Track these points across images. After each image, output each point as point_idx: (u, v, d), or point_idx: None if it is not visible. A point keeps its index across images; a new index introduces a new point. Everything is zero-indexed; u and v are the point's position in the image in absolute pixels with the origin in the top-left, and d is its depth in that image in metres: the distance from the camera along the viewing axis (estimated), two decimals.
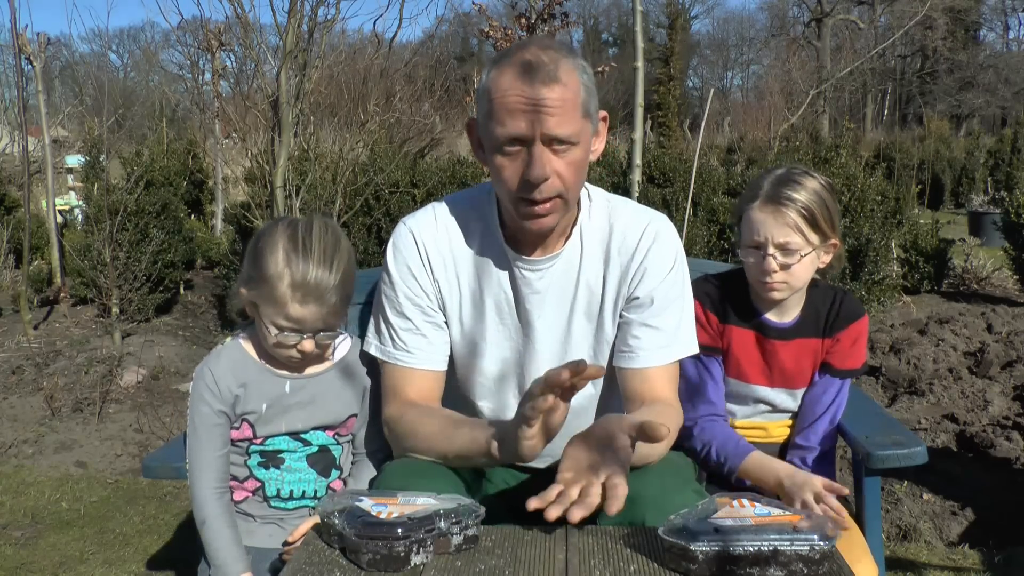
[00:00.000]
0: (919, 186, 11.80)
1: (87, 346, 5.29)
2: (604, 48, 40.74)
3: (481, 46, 26.11)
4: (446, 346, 1.58)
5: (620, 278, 1.54)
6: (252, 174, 6.82)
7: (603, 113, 1.48)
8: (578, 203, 1.54)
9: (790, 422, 1.82)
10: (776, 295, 1.70)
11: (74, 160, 9.65)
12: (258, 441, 1.57)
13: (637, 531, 1.24)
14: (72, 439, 3.97)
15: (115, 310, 5.46)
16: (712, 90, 8.22)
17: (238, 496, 1.59)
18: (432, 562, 1.15)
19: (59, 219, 7.27)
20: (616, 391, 1.57)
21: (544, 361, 1.56)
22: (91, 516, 3.22)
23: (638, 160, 4.62)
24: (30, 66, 6.74)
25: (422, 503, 1.20)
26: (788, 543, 1.08)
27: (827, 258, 1.72)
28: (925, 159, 14.29)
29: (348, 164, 5.60)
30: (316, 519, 1.30)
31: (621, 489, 1.15)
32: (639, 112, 4.49)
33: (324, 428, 1.60)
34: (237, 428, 1.56)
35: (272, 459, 1.58)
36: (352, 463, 1.66)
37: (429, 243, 1.55)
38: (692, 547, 1.08)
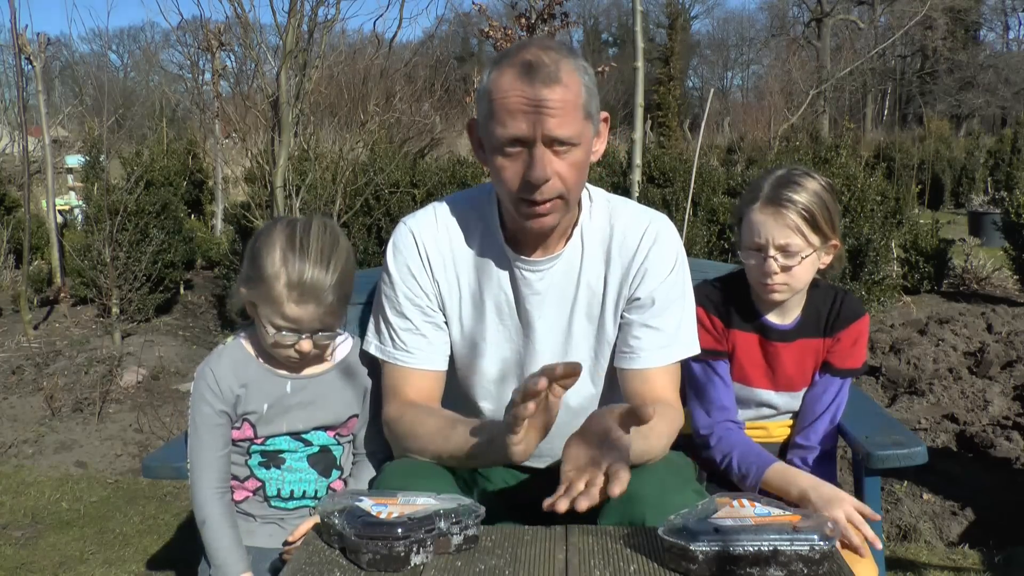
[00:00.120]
0: (919, 186, 11.80)
1: (87, 346, 5.29)
2: (604, 48, 40.73)
3: (481, 46, 26.12)
4: (446, 346, 1.58)
5: (621, 279, 1.54)
6: (252, 174, 6.82)
7: (604, 114, 1.48)
8: (579, 204, 1.53)
9: (791, 422, 1.82)
10: (777, 297, 1.70)
11: (74, 160, 9.65)
12: (259, 441, 1.57)
13: (637, 531, 1.24)
14: (72, 439, 3.97)
15: (115, 310, 5.46)
16: (712, 90, 8.22)
17: (238, 496, 1.59)
18: (432, 562, 1.15)
19: (59, 219, 7.27)
20: (617, 391, 1.57)
21: (544, 362, 1.54)
22: (91, 516, 3.22)
23: (638, 160, 4.62)
24: (30, 66, 6.74)
25: (422, 503, 1.20)
26: (788, 543, 1.08)
27: (828, 259, 1.72)
28: (925, 159, 14.29)
29: (348, 164, 5.60)
30: (316, 519, 1.30)
31: (623, 473, 1.16)
32: (639, 112, 4.50)
33: (325, 428, 1.60)
34: (238, 428, 1.56)
35: (273, 459, 1.58)
36: (352, 463, 1.66)
37: (429, 243, 1.55)
38: (692, 547, 1.08)
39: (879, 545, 1.51)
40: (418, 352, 1.55)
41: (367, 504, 1.19)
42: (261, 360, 1.57)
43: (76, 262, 5.92)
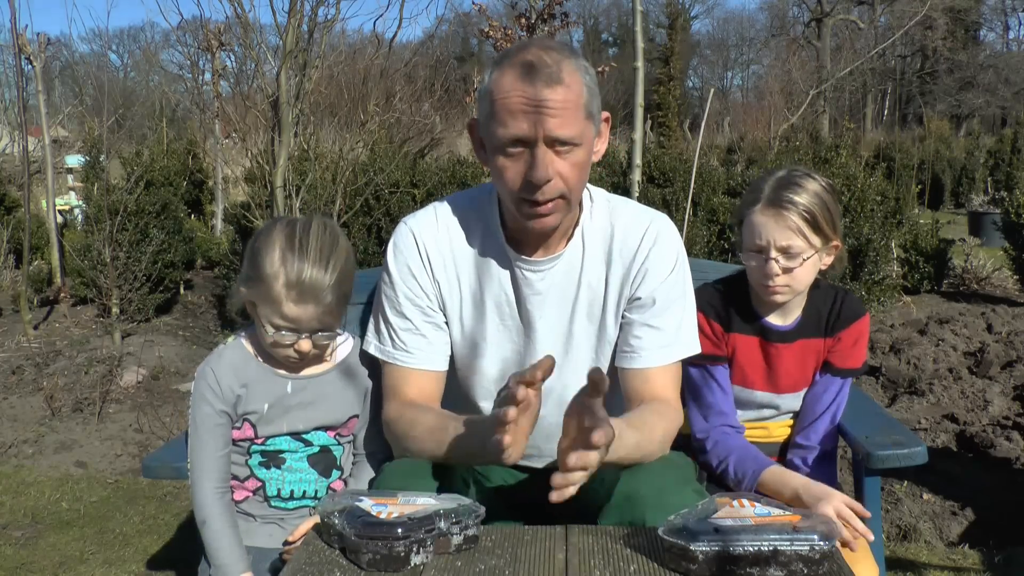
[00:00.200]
0: (919, 186, 11.79)
1: (87, 346, 5.29)
2: (604, 48, 40.72)
3: (481, 46, 26.13)
4: (446, 346, 1.58)
5: (622, 279, 1.54)
6: (252, 174, 6.82)
7: (605, 114, 1.49)
8: (580, 204, 1.53)
9: (791, 422, 1.82)
10: (779, 298, 1.70)
11: (74, 160, 9.66)
12: (259, 441, 1.57)
13: (637, 531, 1.24)
14: (72, 439, 3.97)
15: (115, 310, 5.46)
16: (712, 90, 8.22)
17: (238, 496, 1.59)
18: (432, 562, 1.15)
19: (59, 219, 7.27)
20: (617, 391, 1.57)
21: None
22: (91, 516, 3.22)
23: (638, 160, 4.62)
24: (30, 66, 6.74)
25: (422, 503, 1.21)
26: (788, 543, 1.08)
27: (829, 260, 1.71)
28: (925, 159, 14.29)
29: (348, 164, 5.60)
30: (316, 519, 1.30)
31: (605, 423, 1.15)
32: (639, 112, 4.50)
33: (325, 428, 1.60)
34: (238, 428, 1.56)
35: (273, 459, 1.58)
36: (352, 464, 1.66)
37: (430, 243, 1.55)
38: (692, 547, 1.08)
39: (871, 537, 1.51)
40: (418, 352, 1.55)
41: (367, 504, 1.19)
42: (262, 360, 1.57)
43: (76, 262, 5.92)
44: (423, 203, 2.03)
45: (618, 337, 1.56)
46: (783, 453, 1.81)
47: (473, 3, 5.54)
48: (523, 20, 4.91)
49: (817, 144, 8.82)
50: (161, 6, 7.11)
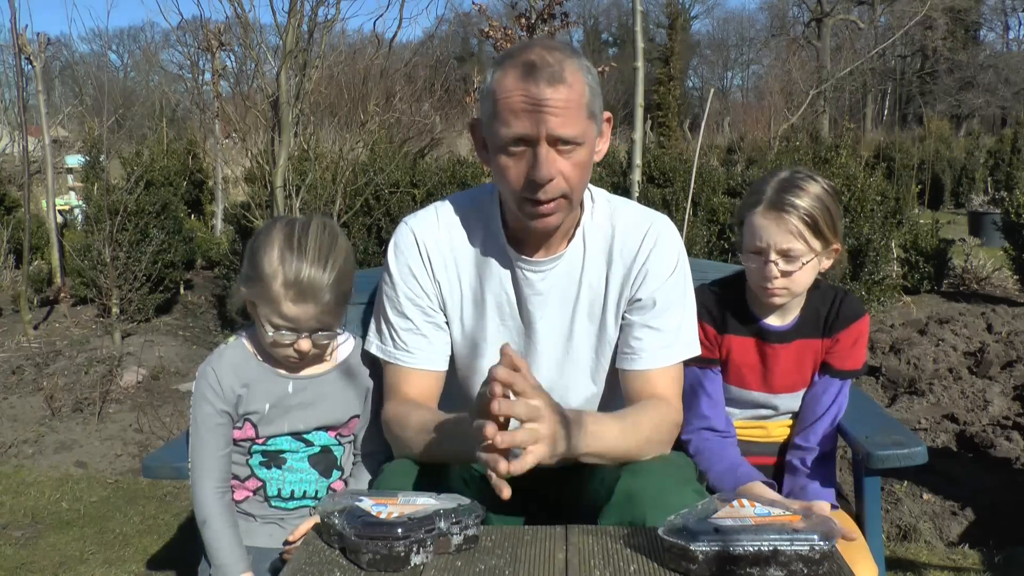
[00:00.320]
0: (919, 186, 11.80)
1: (87, 346, 5.29)
2: (604, 48, 40.70)
3: (481, 46, 26.12)
4: (446, 346, 1.58)
5: (622, 280, 1.54)
6: (252, 174, 6.82)
7: (607, 114, 1.49)
8: (581, 204, 1.54)
9: (790, 422, 1.81)
10: (777, 300, 1.70)
11: (74, 160, 9.66)
12: (260, 441, 1.57)
13: (637, 531, 1.24)
14: (72, 439, 3.97)
15: (115, 310, 5.46)
16: (712, 90, 8.22)
17: (239, 495, 1.59)
18: (432, 562, 1.15)
19: (59, 219, 7.27)
20: (618, 391, 1.57)
21: (545, 362, 1.56)
22: (91, 516, 3.22)
23: (638, 160, 4.62)
24: (30, 66, 6.74)
25: (422, 503, 1.21)
26: (788, 543, 1.08)
27: (828, 263, 1.71)
28: (925, 159, 14.29)
29: (348, 164, 5.60)
30: (316, 519, 1.30)
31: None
32: (639, 112, 4.50)
33: (326, 428, 1.60)
34: (239, 428, 1.56)
35: (274, 459, 1.58)
36: (352, 464, 1.66)
37: (430, 243, 1.55)
38: (692, 547, 1.08)
39: (853, 537, 1.51)
40: (418, 352, 1.55)
41: (367, 504, 1.19)
42: (263, 360, 1.57)
43: (76, 262, 5.92)
44: (423, 203, 2.03)
45: (618, 338, 1.56)
46: (782, 454, 1.80)
47: (473, 3, 5.54)
48: (523, 20, 4.91)
49: (817, 144, 8.82)
50: (161, 6, 7.12)
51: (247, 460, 1.58)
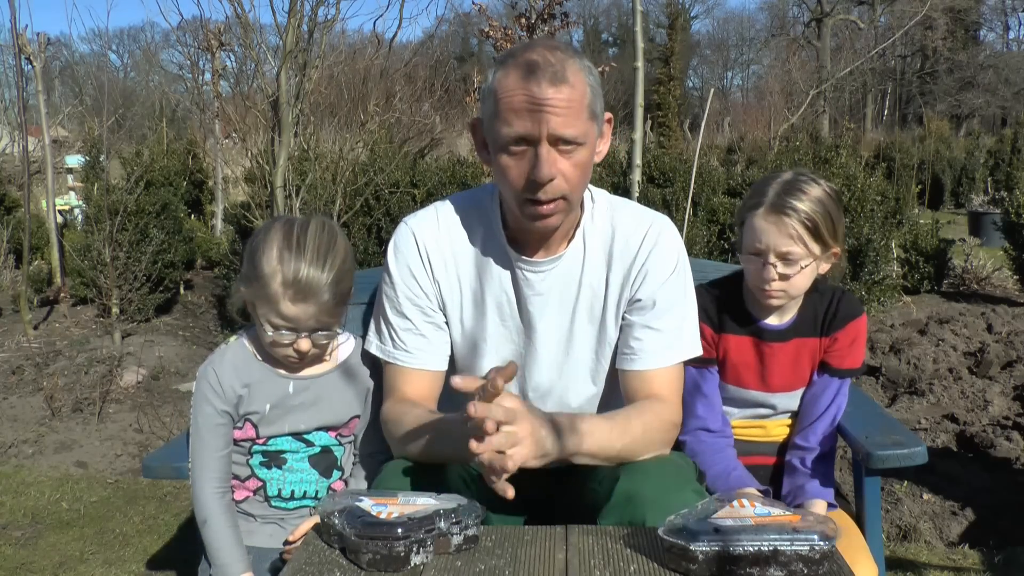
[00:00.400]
0: (919, 186, 11.79)
1: (87, 346, 5.29)
2: (604, 48, 40.71)
3: (481, 46, 26.13)
4: (446, 346, 1.58)
5: (622, 280, 1.54)
6: (252, 174, 6.82)
7: (608, 115, 1.49)
8: (581, 205, 1.54)
9: (790, 421, 1.81)
10: (774, 302, 1.70)
11: (74, 160, 9.66)
12: (261, 441, 1.57)
13: (637, 531, 1.24)
14: (72, 439, 3.97)
15: (115, 310, 5.46)
16: (712, 90, 8.22)
17: (239, 495, 1.59)
18: (432, 562, 1.15)
19: (59, 219, 7.27)
20: (617, 391, 1.57)
21: (545, 363, 1.56)
22: (91, 516, 3.22)
23: (638, 160, 4.62)
24: (30, 66, 6.74)
25: (422, 503, 1.21)
26: (788, 543, 1.08)
27: (826, 267, 1.71)
28: (925, 159, 14.28)
29: (348, 164, 5.60)
30: (316, 519, 1.30)
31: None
32: (639, 112, 4.50)
33: (327, 429, 1.60)
34: (240, 428, 1.56)
35: (274, 459, 1.58)
36: (353, 464, 1.66)
37: (430, 243, 1.55)
38: (692, 547, 1.08)
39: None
40: (418, 352, 1.55)
41: (367, 504, 1.19)
42: (263, 360, 1.57)
43: (76, 262, 5.92)
44: (423, 203, 2.03)
45: (618, 339, 1.56)
46: (781, 453, 1.80)
47: (473, 3, 5.55)
48: (523, 20, 4.92)
49: (817, 144, 8.82)
50: (161, 6, 7.14)
51: (247, 460, 1.58)
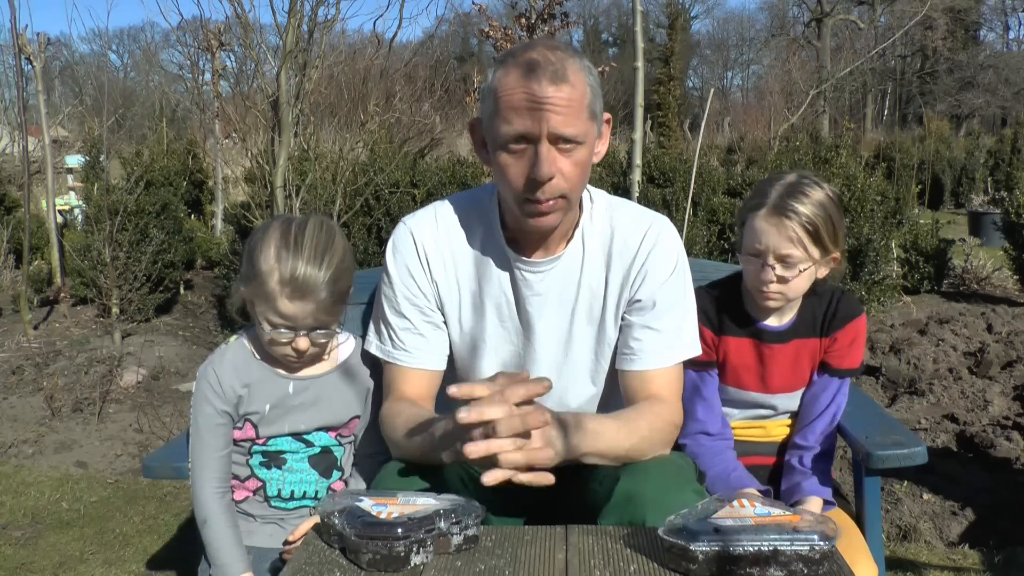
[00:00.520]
0: (919, 186, 11.79)
1: (87, 346, 5.29)
2: (604, 48, 40.71)
3: (481, 46, 26.13)
4: (445, 346, 1.58)
5: (622, 281, 1.54)
6: (252, 174, 6.81)
7: (607, 115, 1.49)
8: (580, 205, 1.54)
9: (790, 421, 1.81)
10: (771, 304, 1.70)
11: (74, 160, 9.65)
12: (261, 441, 1.57)
13: (637, 531, 1.24)
14: (72, 439, 3.97)
15: (115, 310, 5.46)
16: (712, 90, 8.23)
17: (239, 495, 1.59)
18: (432, 562, 1.15)
19: (59, 219, 7.27)
20: (617, 392, 1.57)
21: (544, 363, 1.56)
22: (91, 516, 3.22)
23: (638, 160, 4.62)
24: (30, 66, 6.74)
25: (422, 503, 1.20)
26: (788, 543, 1.08)
27: (825, 271, 1.71)
28: (925, 159, 14.27)
29: (348, 164, 5.60)
30: (316, 519, 1.30)
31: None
32: (639, 112, 4.50)
33: (327, 429, 1.60)
34: (240, 428, 1.56)
35: (274, 459, 1.58)
36: (352, 464, 1.66)
37: (429, 243, 1.55)
38: (692, 547, 1.08)
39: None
40: (417, 352, 1.55)
41: (367, 504, 1.19)
42: (263, 360, 1.57)
43: (76, 262, 5.92)
44: (423, 203, 2.03)
45: (618, 339, 1.55)
46: (781, 453, 1.80)
47: (473, 3, 5.55)
48: (523, 20, 4.91)
49: (817, 144, 8.82)
50: (161, 6, 7.14)
51: (247, 460, 1.58)
